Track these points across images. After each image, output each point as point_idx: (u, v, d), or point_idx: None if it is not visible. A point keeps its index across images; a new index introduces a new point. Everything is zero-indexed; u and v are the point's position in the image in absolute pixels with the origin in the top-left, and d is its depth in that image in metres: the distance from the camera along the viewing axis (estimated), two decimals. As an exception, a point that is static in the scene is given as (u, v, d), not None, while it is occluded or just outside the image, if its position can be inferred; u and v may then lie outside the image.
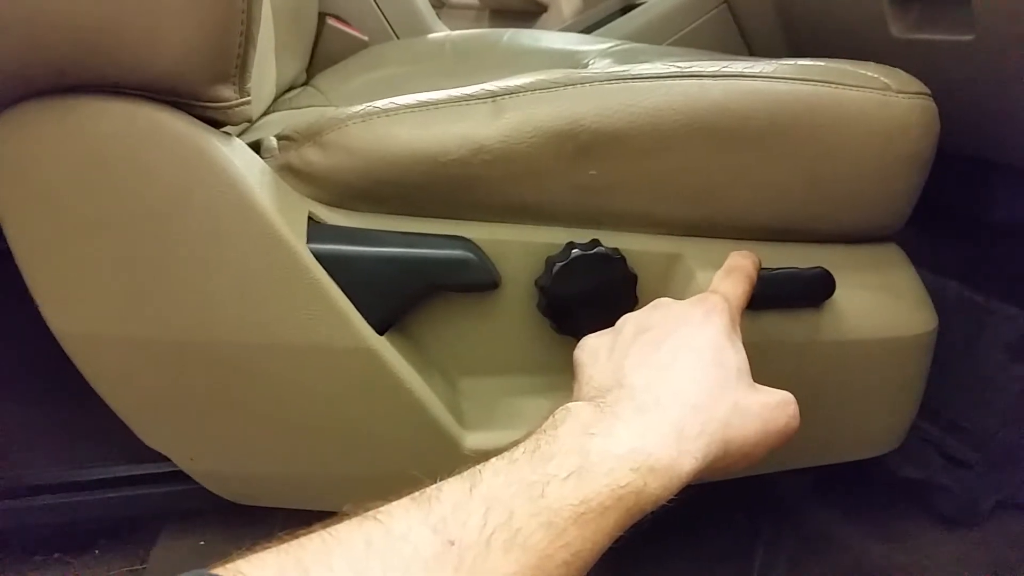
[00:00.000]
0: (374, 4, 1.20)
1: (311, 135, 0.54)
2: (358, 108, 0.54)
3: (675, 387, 0.40)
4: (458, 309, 0.57)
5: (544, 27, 2.14)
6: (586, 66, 0.88)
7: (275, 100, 0.91)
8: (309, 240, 0.51)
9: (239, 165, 0.49)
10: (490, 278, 0.55)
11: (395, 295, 0.53)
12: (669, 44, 1.18)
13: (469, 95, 0.54)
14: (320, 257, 0.51)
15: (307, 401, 0.54)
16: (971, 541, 0.84)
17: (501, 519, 0.32)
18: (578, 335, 0.55)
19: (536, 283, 0.56)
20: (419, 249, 0.54)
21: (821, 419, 0.60)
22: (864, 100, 0.55)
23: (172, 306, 0.51)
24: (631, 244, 0.56)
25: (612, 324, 0.51)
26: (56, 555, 0.79)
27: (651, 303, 0.49)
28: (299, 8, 1.00)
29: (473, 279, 0.54)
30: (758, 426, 0.41)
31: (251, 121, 0.76)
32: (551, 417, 0.39)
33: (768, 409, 0.42)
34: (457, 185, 0.53)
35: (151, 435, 0.56)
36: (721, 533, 0.82)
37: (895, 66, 0.58)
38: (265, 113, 0.86)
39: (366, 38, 1.20)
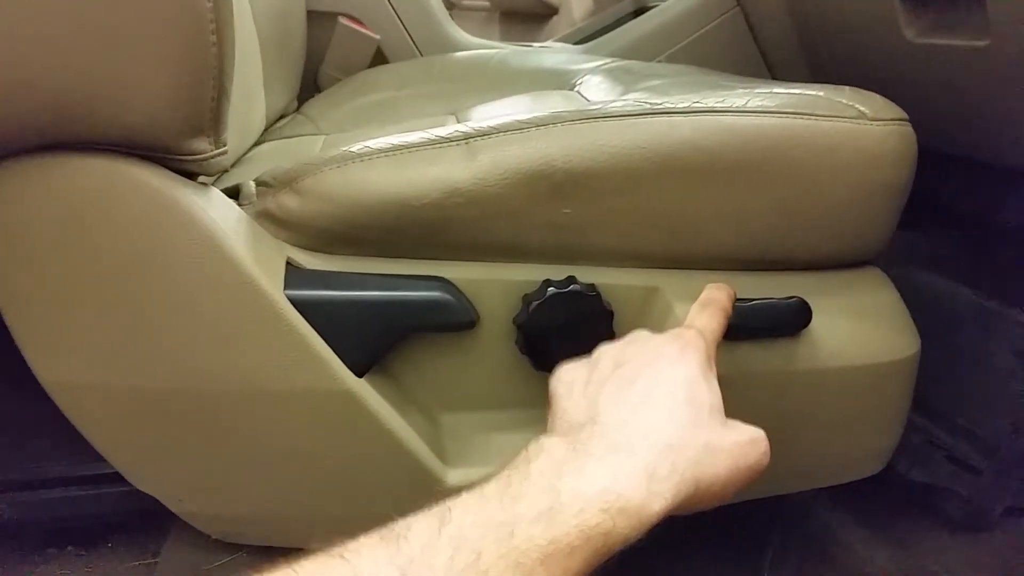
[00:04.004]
0: (387, 3, 1.20)
1: (288, 181, 0.54)
2: (334, 153, 0.55)
3: (648, 426, 0.41)
4: (437, 347, 0.57)
5: (555, 30, 2.14)
6: (574, 86, 0.89)
7: (266, 130, 0.92)
8: (287, 286, 0.52)
9: (214, 216, 0.50)
10: (468, 317, 0.55)
11: (374, 337, 0.54)
12: (681, 48, 1.18)
13: (442, 137, 0.55)
14: (298, 303, 0.52)
15: (290, 445, 0.55)
16: (979, 547, 0.84)
17: (469, 559, 0.32)
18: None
19: (514, 321, 0.56)
20: (396, 291, 0.54)
21: (802, 447, 0.60)
22: (838, 130, 0.55)
23: (154, 355, 0.52)
24: (608, 279, 0.57)
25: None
26: (69, 548, 0.80)
27: (628, 336, 0.49)
28: (286, 38, 1.01)
29: (451, 319, 0.55)
30: (729, 464, 0.42)
31: (230, 162, 0.77)
32: (524, 451, 0.39)
33: (739, 447, 0.43)
34: (433, 227, 0.54)
35: (139, 479, 0.57)
36: (729, 537, 0.83)
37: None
38: (257, 144, 0.87)
39: (378, 37, 1.21)
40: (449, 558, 0.32)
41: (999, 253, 0.88)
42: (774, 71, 1.15)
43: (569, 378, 0.47)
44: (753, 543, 0.82)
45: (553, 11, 2.18)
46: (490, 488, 0.36)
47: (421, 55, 1.22)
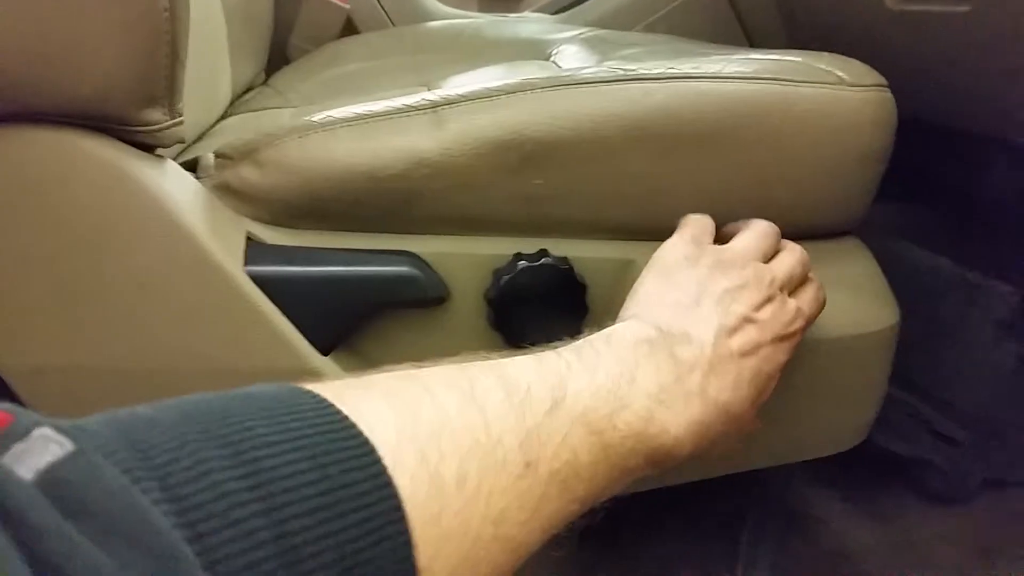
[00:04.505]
0: None
1: (247, 152, 0.52)
2: (295, 123, 0.53)
3: (736, 398, 0.43)
4: (407, 324, 0.56)
5: (532, 1, 2.11)
6: (549, 56, 0.87)
7: (232, 103, 0.89)
8: (248, 262, 0.50)
9: (169, 189, 0.48)
10: (437, 293, 0.54)
11: (340, 315, 0.53)
12: (658, 18, 1.17)
13: (409, 106, 0.53)
14: (259, 279, 0.50)
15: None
16: (958, 518, 0.84)
17: (568, 457, 0.34)
18: (528, 346, 0.54)
19: (484, 295, 0.55)
20: (363, 267, 0.53)
21: (780, 420, 0.59)
22: (816, 96, 0.53)
23: (111, 334, 0.50)
24: (581, 251, 0.55)
25: (561, 334, 0.50)
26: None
27: (775, 282, 0.49)
28: (252, 7, 0.98)
29: (420, 295, 0.53)
30: (721, 442, 0.44)
31: (193, 136, 0.75)
32: (636, 346, 0.41)
33: (740, 436, 0.46)
34: (399, 199, 0.52)
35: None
36: (706, 513, 0.82)
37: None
38: (222, 117, 0.85)
39: (348, 6, 1.19)
40: (556, 449, 0.34)
41: (980, 224, 0.88)
42: (753, 43, 1.14)
43: (707, 288, 0.47)
44: (731, 519, 0.82)
45: (531, -18, 2.15)
46: (601, 376, 0.38)
47: (393, 25, 1.20)
